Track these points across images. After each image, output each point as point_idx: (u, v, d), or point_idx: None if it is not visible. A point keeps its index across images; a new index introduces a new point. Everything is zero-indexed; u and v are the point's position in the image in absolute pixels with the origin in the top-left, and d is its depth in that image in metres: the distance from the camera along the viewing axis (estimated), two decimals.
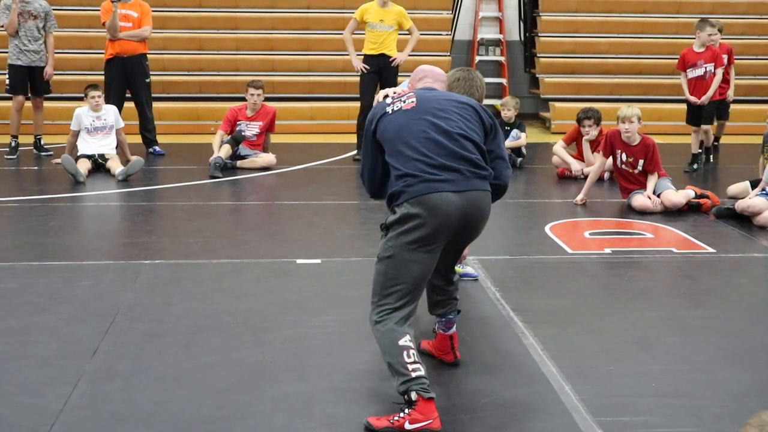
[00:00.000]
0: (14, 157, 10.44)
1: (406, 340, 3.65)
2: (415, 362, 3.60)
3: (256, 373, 4.13)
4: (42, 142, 10.87)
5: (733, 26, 14.95)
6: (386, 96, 4.15)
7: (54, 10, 11.11)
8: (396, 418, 3.55)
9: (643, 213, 7.64)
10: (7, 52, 10.75)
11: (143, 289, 5.38)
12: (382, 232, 3.87)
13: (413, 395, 3.54)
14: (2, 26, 10.50)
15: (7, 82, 10.69)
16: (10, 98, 10.80)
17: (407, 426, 3.52)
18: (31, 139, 10.85)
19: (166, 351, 4.39)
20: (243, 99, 10.12)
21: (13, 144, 10.56)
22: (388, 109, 3.95)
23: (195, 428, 3.56)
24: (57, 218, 7.35)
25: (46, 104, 11.92)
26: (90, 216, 7.90)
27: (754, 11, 15.12)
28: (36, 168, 9.98)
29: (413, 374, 3.57)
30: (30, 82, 10.65)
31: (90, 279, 5.57)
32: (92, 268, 5.81)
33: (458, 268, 5.53)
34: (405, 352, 3.62)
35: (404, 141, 3.82)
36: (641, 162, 7.87)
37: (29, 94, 10.71)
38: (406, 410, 3.54)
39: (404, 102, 3.95)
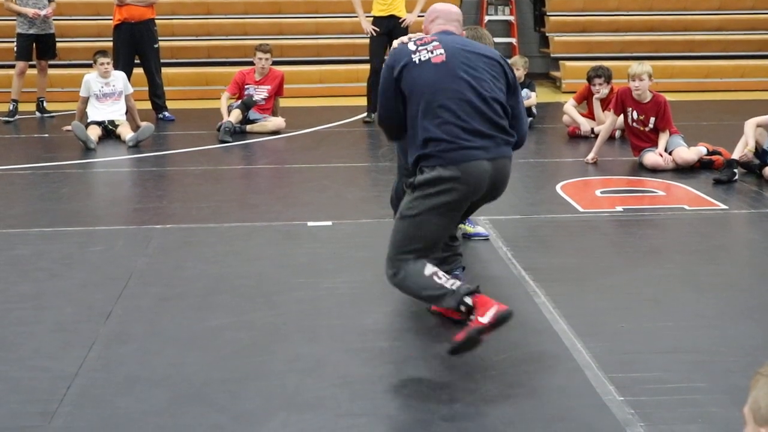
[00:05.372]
0: (12, 120, 10.51)
1: (428, 269, 3.69)
2: (448, 279, 3.66)
3: (268, 335, 4.15)
4: (44, 104, 10.95)
5: None
6: (406, 42, 4.01)
7: None
8: (469, 322, 3.57)
9: (654, 170, 7.60)
10: (14, 21, 10.82)
11: (155, 254, 5.40)
12: (407, 189, 3.84)
13: (467, 300, 3.57)
14: None
15: (15, 49, 10.75)
16: (12, 66, 10.89)
17: (482, 320, 3.53)
18: (31, 107, 10.93)
19: (179, 314, 4.42)
20: (252, 63, 10.08)
21: (11, 108, 10.63)
22: (414, 58, 3.85)
23: (208, 390, 3.59)
24: (68, 185, 7.37)
25: (56, 71, 11.99)
26: (101, 182, 7.92)
27: None
28: (46, 135, 10.01)
29: (453, 287, 3.61)
30: (37, 47, 10.72)
31: (102, 244, 5.59)
32: (104, 234, 5.84)
33: (469, 228, 5.53)
34: (434, 278, 3.67)
35: (439, 102, 3.77)
36: (652, 119, 7.83)
37: (35, 59, 10.80)
38: (473, 314, 3.57)
39: (431, 52, 3.85)
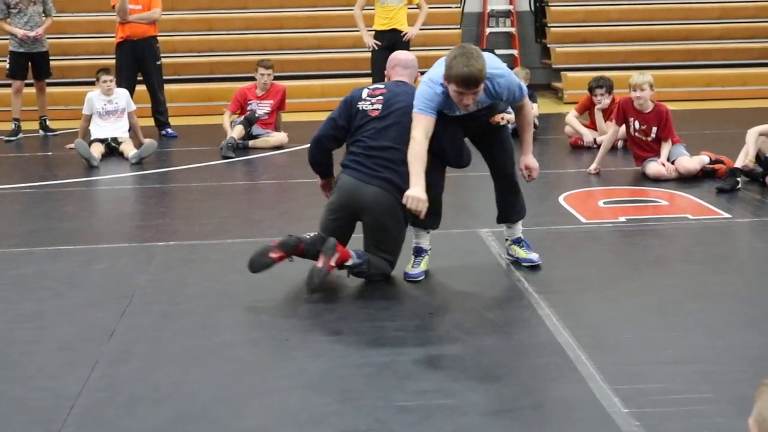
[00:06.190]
0: (14, 138, 10.52)
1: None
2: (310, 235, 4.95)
3: (271, 351, 4.15)
4: (47, 123, 10.96)
5: None
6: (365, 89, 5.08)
7: None
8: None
9: (657, 180, 7.59)
10: (7, 39, 10.83)
11: (158, 271, 5.40)
12: None
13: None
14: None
15: (7, 67, 10.75)
16: (10, 85, 10.89)
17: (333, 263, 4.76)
18: (34, 125, 10.95)
19: (182, 331, 4.41)
20: (254, 78, 10.10)
21: (14, 127, 10.65)
22: (361, 105, 5.01)
23: (212, 407, 3.58)
24: (71, 203, 7.38)
25: (59, 89, 12.03)
26: (104, 199, 7.93)
27: None
28: (49, 153, 10.03)
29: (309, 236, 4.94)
30: (32, 66, 10.72)
31: (105, 262, 5.59)
32: (107, 252, 5.84)
33: (522, 252, 5.35)
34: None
35: (360, 142, 4.99)
36: (654, 129, 7.82)
37: (32, 79, 10.80)
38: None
39: (372, 105, 4.99)
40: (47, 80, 11.08)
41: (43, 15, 10.77)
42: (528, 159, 5.20)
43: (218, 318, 4.58)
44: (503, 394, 3.65)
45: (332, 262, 4.77)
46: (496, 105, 5.05)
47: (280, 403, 3.60)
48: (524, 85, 5.03)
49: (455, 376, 3.78)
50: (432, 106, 4.73)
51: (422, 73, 5.02)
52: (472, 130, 5.14)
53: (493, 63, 4.80)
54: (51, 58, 11.03)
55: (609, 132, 8.31)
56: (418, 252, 5.17)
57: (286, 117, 10.43)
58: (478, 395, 3.62)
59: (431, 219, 5.10)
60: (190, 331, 4.41)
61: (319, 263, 4.70)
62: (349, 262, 4.91)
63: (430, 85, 4.76)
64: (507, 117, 5.27)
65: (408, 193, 4.56)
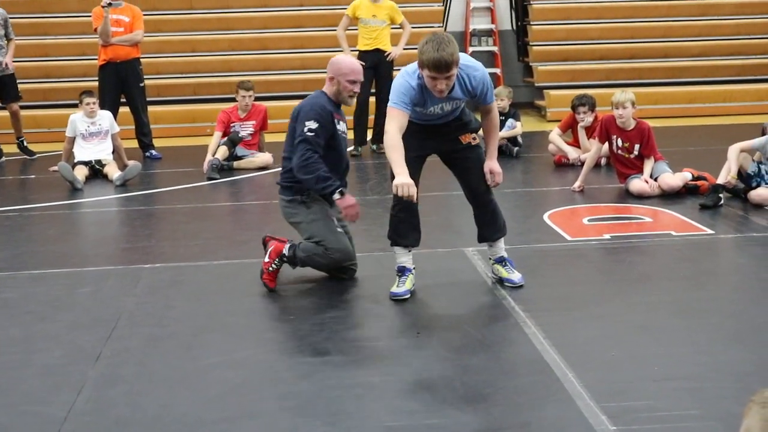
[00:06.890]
0: None
1: None
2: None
3: (259, 373, 4.14)
4: (25, 144, 10.90)
5: (724, 7, 15.00)
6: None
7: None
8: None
9: (640, 197, 7.63)
10: None
11: (144, 293, 5.39)
12: None
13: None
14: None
15: None
16: None
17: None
18: (14, 149, 10.91)
19: (169, 354, 4.40)
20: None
21: None
22: None
23: (200, 430, 3.57)
24: (56, 226, 7.36)
25: (42, 112, 11.98)
26: (89, 222, 7.91)
27: None
28: (33, 176, 9.99)
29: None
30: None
31: (91, 285, 5.58)
32: (93, 274, 5.82)
33: (504, 272, 5.35)
34: None
35: None
36: (637, 146, 7.87)
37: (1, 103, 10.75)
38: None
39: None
40: (23, 103, 10.99)
41: (4, 38, 10.69)
42: (492, 163, 5.16)
43: (205, 340, 4.57)
44: (491, 413, 3.66)
45: (266, 258, 5.38)
46: (468, 123, 5.09)
47: (268, 426, 3.59)
48: (493, 88, 5.11)
49: (443, 396, 3.78)
50: (406, 101, 4.73)
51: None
52: (445, 151, 5.18)
53: (468, 58, 4.92)
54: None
55: (592, 150, 8.35)
56: (402, 271, 5.18)
57: (271, 137, 10.42)
58: (466, 415, 3.62)
59: (412, 236, 5.15)
60: (177, 353, 4.40)
61: None
62: (283, 251, 5.40)
63: (405, 77, 4.79)
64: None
65: (395, 182, 4.48)
